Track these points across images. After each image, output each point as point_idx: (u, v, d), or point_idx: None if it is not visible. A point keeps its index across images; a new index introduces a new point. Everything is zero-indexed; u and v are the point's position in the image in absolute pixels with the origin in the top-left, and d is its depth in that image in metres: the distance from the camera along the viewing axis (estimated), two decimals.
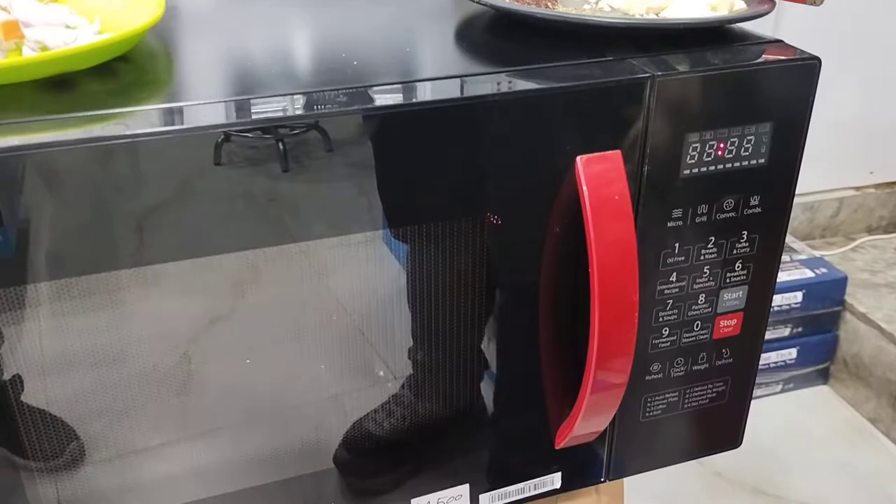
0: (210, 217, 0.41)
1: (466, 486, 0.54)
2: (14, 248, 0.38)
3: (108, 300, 0.41)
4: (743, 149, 0.49)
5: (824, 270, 1.57)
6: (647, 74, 0.45)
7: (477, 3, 0.52)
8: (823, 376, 1.65)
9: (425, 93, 0.45)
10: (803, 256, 1.60)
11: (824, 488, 1.42)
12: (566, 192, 0.46)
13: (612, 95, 0.45)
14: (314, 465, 0.50)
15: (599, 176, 0.45)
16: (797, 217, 1.74)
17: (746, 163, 0.49)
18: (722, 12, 0.51)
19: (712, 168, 0.48)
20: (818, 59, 0.48)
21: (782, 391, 1.61)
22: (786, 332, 1.57)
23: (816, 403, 1.60)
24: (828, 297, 1.56)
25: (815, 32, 1.06)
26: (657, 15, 0.53)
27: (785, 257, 1.60)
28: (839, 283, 1.56)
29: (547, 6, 0.54)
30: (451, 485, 0.54)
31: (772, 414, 1.55)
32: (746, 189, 0.50)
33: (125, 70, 0.46)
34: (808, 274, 1.55)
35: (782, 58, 0.48)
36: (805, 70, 0.48)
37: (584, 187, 0.45)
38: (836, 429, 1.54)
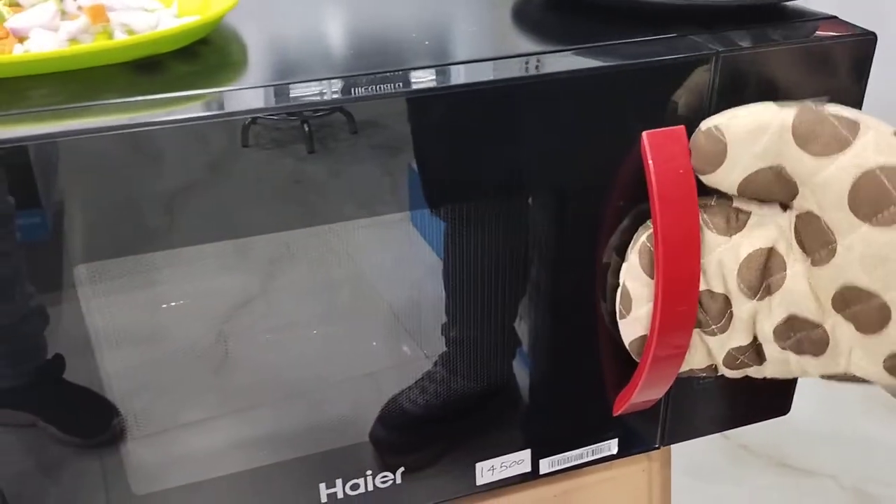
0: (240, 199, 0.42)
1: (528, 451, 0.56)
2: (51, 231, 0.40)
3: (145, 280, 0.43)
4: None
5: None
6: (713, 51, 0.46)
7: None
8: None
9: (488, 72, 0.46)
10: None
11: (850, 463, 1.44)
12: (629, 167, 0.48)
13: (678, 71, 0.47)
14: (352, 438, 0.52)
15: (665, 150, 0.46)
16: None
17: None
18: None
19: None
20: (874, 35, 0.49)
21: None
22: None
23: None
24: None
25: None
26: None
27: None
28: None
29: None
30: (514, 450, 0.56)
31: (799, 388, 1.56)
32: None
33: (206, 52, 0.48)
34: None
35: (840, 33, 0.49)
36: (862, 45, 0.49)
37: (651, 161, 0.46)
38: (863, 403, 1.55)
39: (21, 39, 0.45)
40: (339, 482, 0.52)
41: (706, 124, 0.46)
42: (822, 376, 0.50)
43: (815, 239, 0.45)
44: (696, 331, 0.51)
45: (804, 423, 1.48)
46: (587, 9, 0.54)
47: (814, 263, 0.46)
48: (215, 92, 0.42)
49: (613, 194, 0.49)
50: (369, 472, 0.53)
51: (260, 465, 0.50)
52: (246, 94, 0.42)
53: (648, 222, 0.48)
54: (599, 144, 0.48)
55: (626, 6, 0.53)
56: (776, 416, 0.63)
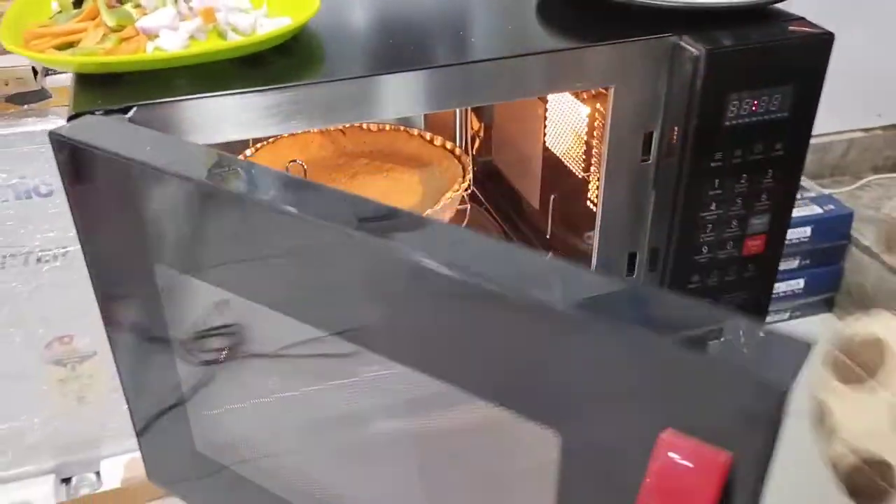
0: None
1: None
2: None
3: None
4: (771, 105, 0.62)
5: (832, 207, 1.70)
6: (698, 52, 0.58)
7: None
8: (829, 305, 1.79)
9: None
10: (812, 194, 1.73)
11: None
12: None
13: (672, 65, 0.59)
14: None
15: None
16: (808, 158, 1.85)
17: (773, 115, 0.63)
18: None
19: (747, 120, 0.62)
20: (832, 34, 0.61)
21: (790, 318, 1.76)
22: (795, 264, 1.71)
23: (822, 329, 1.76)
24: (835, 231, 1.70)
25: None
26: None
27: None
28: (845, 219, 1.70)
29: None
30: None
31: None
32: (772, 136, 0.64)
33: (296, 48, 0.59)
34: (817, 210, 1.68)
35: (804, 32, 0.61)
36: (821, 42, 0.61)
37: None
38: None
39: (151, 37, 0.57)
40: None
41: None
42: None
43: None
44: None
45: None
46: (595, 8, 0.65)
47: None
48: (311, 83, 0.54)
49: None
50: None
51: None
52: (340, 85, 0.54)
53: None
54: None
55: (624, 7, 0.64)
56: None
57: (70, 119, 0.50)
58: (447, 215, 0.76)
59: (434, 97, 0.58)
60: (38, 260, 1.10)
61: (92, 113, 0.50)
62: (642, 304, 0.36)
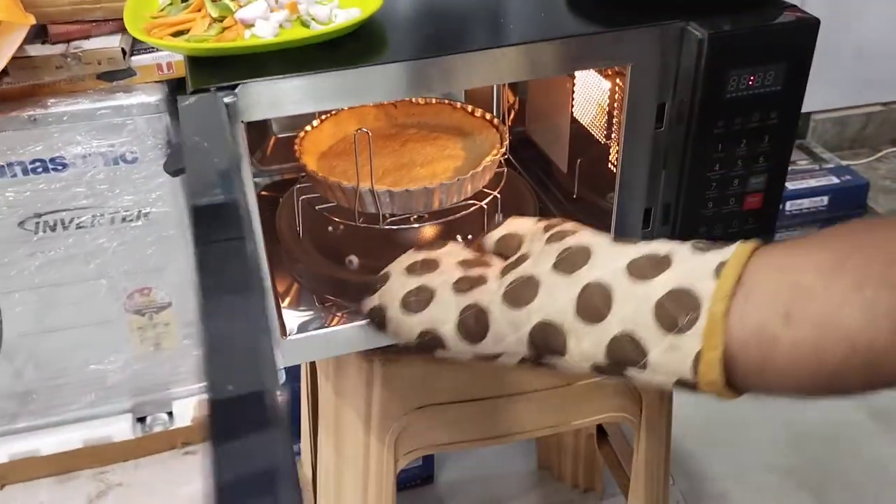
0: None
1: None
2: None
3: None
4: (766, 79, 0.73)
5: (849, 178, 1.79)
6: (702, 35, 0.69)
7: None
8: None
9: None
10: (831, 165, 1.82)
11: None
12: None
13: (680, 46, 0.70)
14: None
15: None
16: (828, 130, 1.95)
17: (768, 89, 0.73)
18: None
19: (745, 93, 0.73)
20: (818, 20, 0.72)
21: None
22: (813, 231, 1.80)
23: None
24: (851, 200, 1.79)
25: None
26: None
27: (814, 166, 1.83)
28: (861, 189, 1.79)
29: None
30: None
31: None
32: (768, 107, 0.75)
33: (364, 35, 0.71)
34: (835, 181, 1.78)
35: (794, 17, 0.72)
36: (809, 27, 0.72)
37: None
38: None
39: (247, 26, 0.69)
40: None
41: None
42: None
43: None
44: None
45: None
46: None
47: None
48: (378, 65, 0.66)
49: None
50: None
51: None
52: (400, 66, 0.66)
53: None
54: None
55: None
56: None
57: (192, 93, 0.62)
58: (486, 177, 0.88)
59: (477, 75, 0.70)
60: (123, 220, 1.24)
61: (207, 90, 0.62)
62: None
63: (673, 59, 0.72)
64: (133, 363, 1.51)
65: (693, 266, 0.50)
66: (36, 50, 1.09)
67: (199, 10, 0.70)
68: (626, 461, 1.24)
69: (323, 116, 0.94)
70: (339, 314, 0.84)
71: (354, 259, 0.87)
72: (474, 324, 0.58)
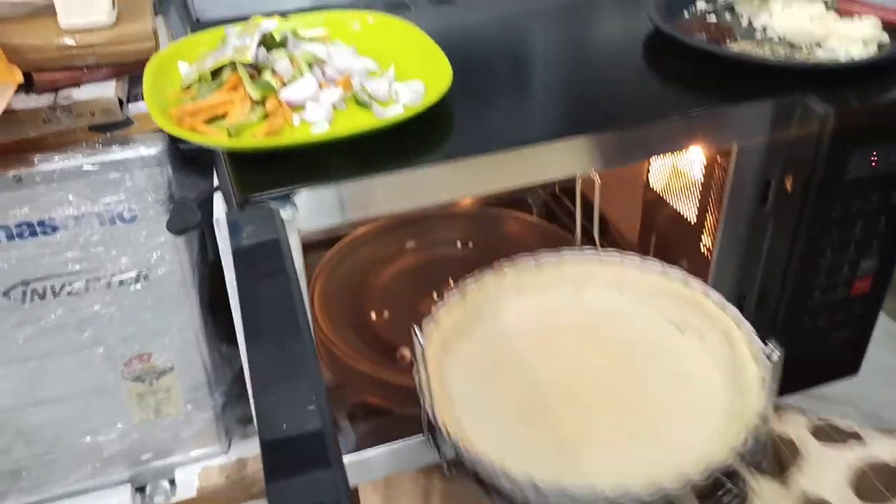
0: None
1: None
2: None
3: None
4: (889, 158, 0.63)
5: None
6: (825, 111, 0.60)
7: (672, 39, 0.66)
8: None
9: None
10: None
11: (868, 390, 1.59)
12: None
13: (799, 122, 0.60)
14: None
15: None
16: None
17: (890, 168, 0.64)
18: (872, 47, 0.65)
19: (867, 173, 0.63)
20: None
21: None
22: None
23: None
24: None
25: None
26: (820, 45, 0.67)
27: None
28: None
29: (726, 40, 0.68)
30: None
31: None
32: (888, 187, 0.65)
33: (431, 117, 0.59)
34: None
35: None
36: None
37: None
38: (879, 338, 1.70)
39: (295, 109, 0.58)
40: None
41: None
42: None
43: None
44: None
45: None
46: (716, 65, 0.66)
47: None
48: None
49: None
50: None
51: None
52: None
53: None
54: None
55: (763, 66, 0.65)
56: (847, 377, 0.78)
57: (241, 205, 0.51)
58: None
59: (575, 163, 0.59)
60: (121, 283, 1.11)
61: (262, 202, 0.51)
62: None
63: (785, 134, 0.63)
64: (132, 432, 1.38)
65: None
66: (20, 102, 0.94)
67: (236, 90, 0.58)
68: None
69: None
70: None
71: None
72: None
